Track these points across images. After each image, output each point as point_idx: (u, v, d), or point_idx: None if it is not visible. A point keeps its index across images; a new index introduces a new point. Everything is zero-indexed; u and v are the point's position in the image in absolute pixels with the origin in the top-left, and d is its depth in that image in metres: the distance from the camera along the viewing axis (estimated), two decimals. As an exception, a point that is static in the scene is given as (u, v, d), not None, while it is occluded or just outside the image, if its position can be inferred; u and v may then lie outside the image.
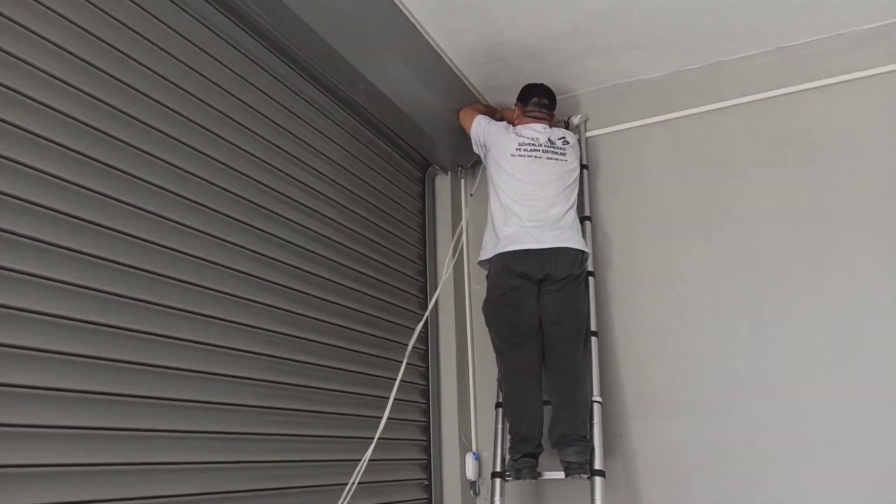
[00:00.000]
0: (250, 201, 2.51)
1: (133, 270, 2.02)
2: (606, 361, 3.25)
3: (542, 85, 3.38)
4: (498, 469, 3.04)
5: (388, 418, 2.86)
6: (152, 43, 2.21)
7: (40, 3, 1.87)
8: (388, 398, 3.00)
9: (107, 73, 2.03)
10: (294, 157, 2.80)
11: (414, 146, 3.63)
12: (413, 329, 3.34)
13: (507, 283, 3.03)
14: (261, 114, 2.65)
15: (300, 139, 2.86)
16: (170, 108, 2.23)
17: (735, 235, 3.22)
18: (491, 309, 3.12)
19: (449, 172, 3.84)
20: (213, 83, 2.45)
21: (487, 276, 3.17)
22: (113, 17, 2.08)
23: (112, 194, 1.98)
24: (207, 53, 2.45)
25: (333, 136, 3.09)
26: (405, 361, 3.07)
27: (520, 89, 3.38)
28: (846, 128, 3.14)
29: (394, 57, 2.99)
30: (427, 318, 3.53)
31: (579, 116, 3.62)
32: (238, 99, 2.55)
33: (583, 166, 3.43)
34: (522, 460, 2.91)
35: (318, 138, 2.98)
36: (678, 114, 3.46)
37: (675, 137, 3.46)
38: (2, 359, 1.65)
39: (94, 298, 1.89)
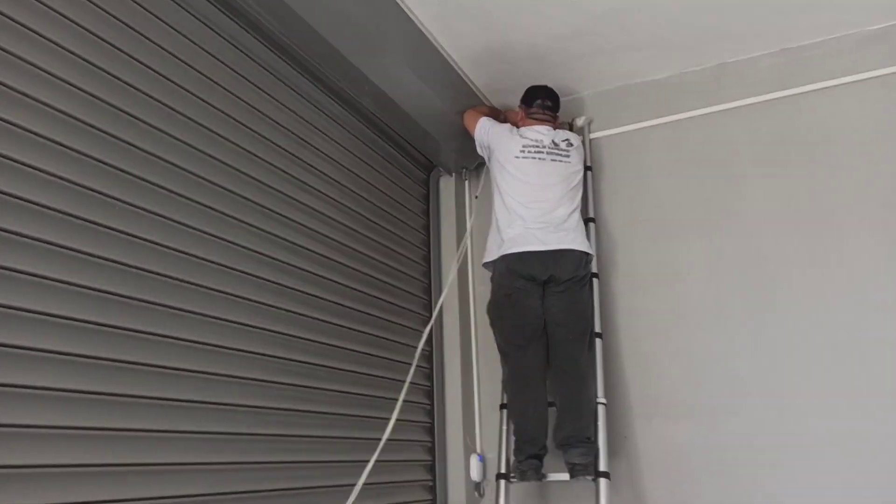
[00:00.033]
0: (253, 202, 2.50)
1: (136, 271, 2.00)
2: (610, 363, 3.23)
3: (545, 87, 3.36)
4: (503, 470, 3.02)
5: (388, 419, 2.85)
6: (154, 43, 2.19)
7: (41, 3, 1.85)
8: (395, 399, 2.95)
9: (109, 74, 2.01)
10: (298, 158, 2.78)
11: (418, 148, 3.62)
12: (417, 330, 3.33)
13: (511, 284, 3.01)
14: (264, 115, 2.63)
15: (304, 140, 2.84)
16: (172, 109, 2.21)
17: (738, 236, 3.19)
18: (495, 310, 3.10)
19: (453, 174, 3.82)
20: (216, 84, 2.43)
21: (492, 278, 3.15)
22: (116, 18, 2.06)
23: (114, 194, 1.96)
24: (211, 54, 2.43)
25: (337, 138, 3.07)
26: (415, 364, 3.05)
27: (523, 91, 3.36)
28: (849, 129, 3.10)
29: (398, 59, 2.98)
30: (432, 321, 3.53)
31: (583, 118, 3.60)
32: (241, 100, 2.53)
33: (587, 168, 3.41)
34: (527, 462, 2.89)
35: (323, 140, 2.97)
36: (682, 115, 3.43)
37: (678, 139, 3.43)
38: (2, 359, 1.63)
39: (96, 298, 1.87)
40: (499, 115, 3.50)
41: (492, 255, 3.11)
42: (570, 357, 2.99)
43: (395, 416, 2.79)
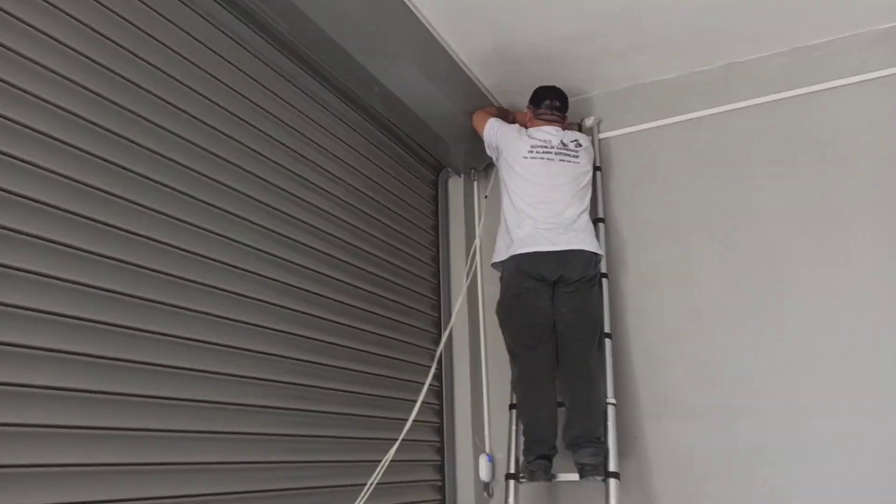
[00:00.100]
0: (260, 201, 2.47)
1: (140, 270, 1.98)
2: (620, 363, 3.20)
3: (554, 87, 3.32)
4: (512, 471, 3.00)
5: (401, 419, 2.83)
6: (162, 43, 2.16)
7: (45, 1, 1.82)
8: (404, 399, 3.01)
9: (115, 73, 1.99)
10: (306, 158, 2.76)
11: (427, 149, 3.59)
12: (426, 331, 3.33)
13: (520, 284, 2.98)
14: (271, 114, 2.61)
15: (312, 141, 2.82)
16: (175, 106, 2.18)
17: (748, 236, 3.15)
18: (504, 311, 3.08)
19: (462, 175, 3.79)
20: (221, 82, 2.40)
21: (501, 278, 3.12)
22: (119, 16, 2.04)
23: (116, 192, 1.93)
24: (216, 53, 2.40)
25: (345, 138, 3.05)
26: (434, 367, 3.04)
27: (532, 92, 3.33)
28: (858, 128, 3.07)
29: (407, 60, 2.95)
30: (441, 322, 3.51)
31: (592, 118, 3.57)
32: (247, 98, 2.50)
33: (596, 168, 3.38)
34: (536, 462, 2.87)
35: (331, 140, 2.94)
36: (691, 115, 3.40)
37: (688, 139, 3.39)
38: (2, 357, 1.60)
39: (99, 297, 1.84)
40: (508, 115, 3.47)
41: (501, 255, 3.08)
42: (579, 357, 2.96)
43: (412, 416, 2.79)
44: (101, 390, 1.82)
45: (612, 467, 2.80)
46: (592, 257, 3.03)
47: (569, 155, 3.14)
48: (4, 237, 1.65)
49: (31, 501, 1.61)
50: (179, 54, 2.23)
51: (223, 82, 2.40)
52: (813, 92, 3.19)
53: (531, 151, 3.11)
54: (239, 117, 2.44)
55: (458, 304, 3.36)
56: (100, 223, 1.88)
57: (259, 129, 2.53)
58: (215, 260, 2.24)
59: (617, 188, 3.49)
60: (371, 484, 2.56)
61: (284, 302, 2.51)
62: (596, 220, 3.28)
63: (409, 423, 2.77)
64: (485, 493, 3.36)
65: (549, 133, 3.18)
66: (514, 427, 3.09)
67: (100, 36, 1.97)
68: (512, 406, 3.13)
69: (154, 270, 2.01)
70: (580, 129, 3.54)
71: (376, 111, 3.18)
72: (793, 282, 3.03)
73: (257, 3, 2.47)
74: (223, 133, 2.36)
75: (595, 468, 2.80)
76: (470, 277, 3.47)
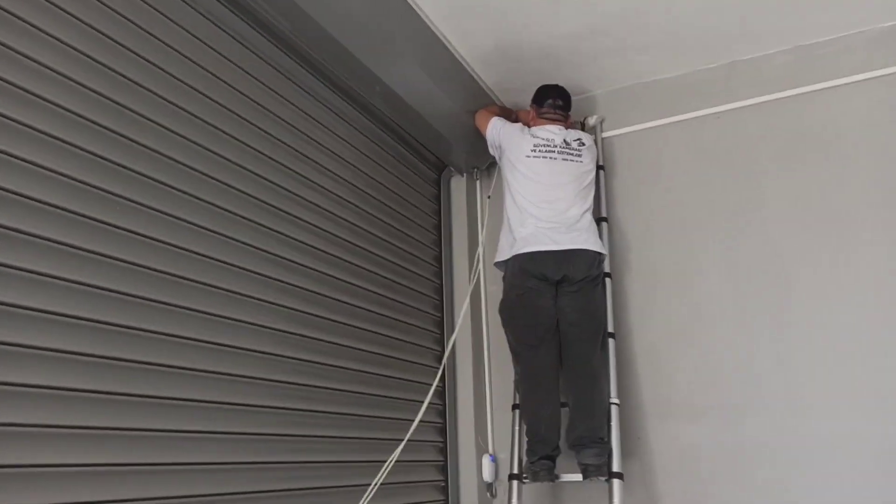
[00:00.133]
0: (261, 200, 2.46)
1: (145, 270, 1.97)
2: (624, 363, 3.18)
3: (557, 86, 3.31)
4: (515, 471, 2.98)
5: (404, 419, 2.82)
6: (162, 41, 2.15)
7: (49, 1, 1.82)
8: (407, 399, 2.99)
9: (116, 72, 1.98)
10: (307, 157, 2.74)
11: (429, 148, 3.58)
12: (428, 331, 3.32)
13: (523, 284, 2.97)
14: (273, 113, 2.60)
15: (315, 140, 2.81)
16: (179, 107, 2.17)
17: (751, 235, 3.14)
18: (507, 310, 3.06)
19: (464, 174, 3.78)
20: (222, 81, 2.39)
21: (504, 278, 3.10)
22: (122, 16, 2.03)
23: (117, 191, 1.92)
24: (221, 54, 2.39)
25: (348, 138, 3.04)
26: (442, 367, 3.02)
27: (535, 90, 3.32)
28: (863, 126, 3.04)
29: (409, 59, 2.94)
30: (444, 322, 3.50)
31: (595, 117, 3.56)
32: (248, 98, 2.49)
33: (599, 167, 3.36)
34: (539, 462, 2.85)
35: (333, 140, 2.93)
36: (695, 114, 3.38)
37: (691, 137, 3.38)
38: (2, 357, 1.59)
39: (101, 297, 1.83)
40: (510, 114, 3.46)
41: (504, 254, 3.07)
42: (582, 357, 2.94)
43: (419, 417, 2.78)
44: (102, 390, 1.80)
45: (615, 468, 2.79)
46: (596, 257, 3.01)
47: (572, 154, 3.13)
48: (3, 236, 1.63)
49: (31, 502, 1.60)
50: (180, 52, 2.22)
51: (224, 81, 2.39)
52: (816, 90, 3.17)
53: (534, 150, 3.10)
54: (240, 116, 2.43)
55: (464, 309, 3.34)
56: (99, 222, 1.86)
57: (260, 128, 2.51)
58: (217, 260, 2.24)
59: (620, 187, 3.47)
60: (375, 484, 2.56)
61: (286, 302, 2.50)
62: (599, 220, 3.26)
63: (415, 424, 2.76)
64: (488, 494, 3.34)
65: (552, 132, 3.16)
66: (517, 427, 3.07)
67: (100, 34, 1.95)
68: (515, 406, 3.12)
69: (155, 270, 2.00)
70: (583, 127, 3.52)
71: (378, 110, 3.17)
72: (796, 281, 3.01)
73: (258, 2, 2.46)
74: (224, 132, 2.35)
75: (598, 468, 2.78)
76: (474, 282, 3.45)
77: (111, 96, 1.96)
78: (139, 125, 2.03)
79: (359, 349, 2.86)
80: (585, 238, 3.00)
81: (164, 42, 2.16)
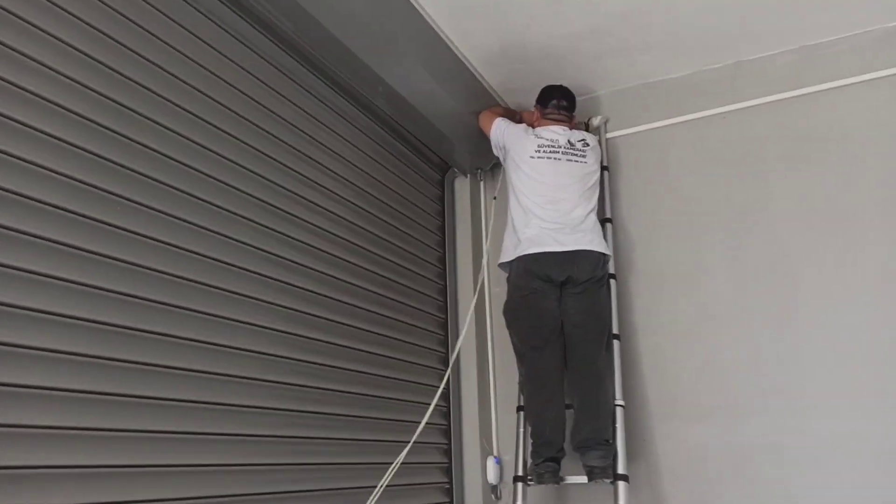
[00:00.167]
0: (263, 201, 2.44)
1: (151, 272, 1.96)
2: (629, 364, 3.17)
3: (561, 86, 3.30)
4: (520, 473, 2.97)
5: (408, 421, 2.81)
6: (163, 41, 2.14)
7: (50, 1, 1.80)
8: (411, 401, 2.98)
9: (118, 73, 1.97)
10: (310, 158, 2.73)
11: (433, 149, 3.56)
12: (432, 332, 3.31)
13: (528, 285, 2.96)
14: (275, 114, 2.58)
15: (317, 141, 2.79)
16: (181, 107, 2.16)
17: (757, 236, 3.12)
18: (512, 312, 3.05)
19: (468, 175, 3.76)
20: (228, 84, 2.38)
21: (508, 279, 3.10)
22: (126, 18, 2.02)
23: (117, 191, 1.90)
24: (224, 56, 2.38)
25: (351, 139, 3.02)
26: (449, 370, 3.01)
27: (539, 91, 3.31)
28: (868, 126, 3.03)
29: (412, 60, 2.93)
30: (448, 324, 3.49)
31: (599, 118, 3.55)
32: (251, 98, 2.47)
33: (603, 168, 3.35)
34: (544, 465, 2.84)
35: (336, 141, 2.91)
36: (699, 114, 3.36)
37: (696, 137, 3.36)
38: (2, 358, 1.57)
39: (101, 297, 1.82)
40: (514, 115, 3.44)
41: (508, 255, 3.06)
42: (587, 359, 2.93)
43: (425, 419, 2.77)
44: (101, 391, 1.79)
45: (620, 469, 2.78)
46: (600, 258, 3.00)
47: (576, 154, 3.12)
48: (3, 236, 1.62)
49: (32, 502, 1.59)
50: (181, 52, 2.20)
51: (225, 80, 2.37)
52: (822, 90, 3.16)
53: (538, 151, 3.09)
54: (241, 116, 2.41)
55: (470, 311, 3.33)
56: (100, 222, 1.85)
57: (262, 129, 2.50)
58: (220, 261, 2.22)
59: (625, 188, 3.46)
60: (381, 486, 2.55)
61: (290, 303, 2.48)
62: (603, 221, 3.25)
63: (421, 425, 2.75)
64: (493, 496, 3.33)
65: (557, 132, 3.15)
66: (521, 429, 3.06)
67: (100, 34, 1.94)
68: (520, 408, 3.11)
69: (157, 270, 1.99)
70: (587, 128, 3.51)
71: (381, 110, 3.15)
72: (802, 281, 3.00)
73: (260, 1, 2.44)
74: (225, 132, 2.33)
75: (604, 470, 2.77)
76: (478, 289, 3.44)
77: (112, 96, 1.94)
78: (140, 125, 2.01)
79: (363, 351, 2.84)
80: (590, 239, 2.99)
81: (164, 41, 2.14)
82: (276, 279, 2.43)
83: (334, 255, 2.77)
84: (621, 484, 2.74)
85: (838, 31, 3.14)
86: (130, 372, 1.87)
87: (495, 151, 3.28)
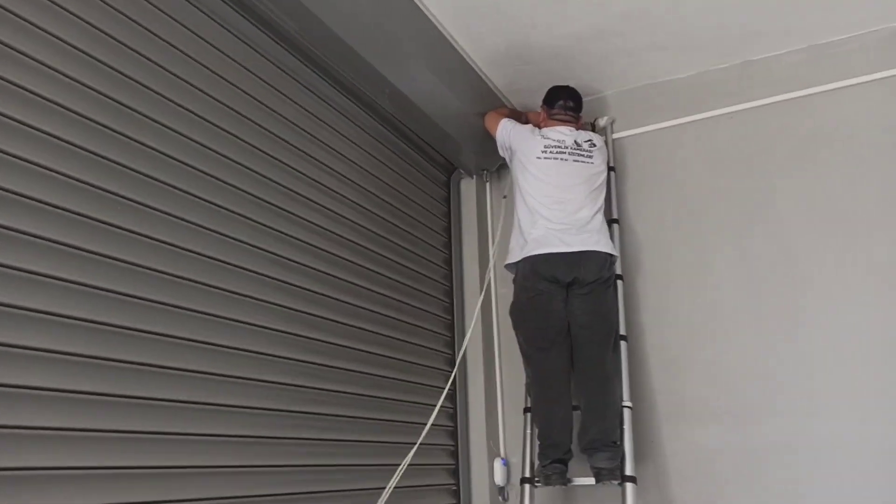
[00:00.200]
0: (268, 202, 2.44)
1: (157, 273, 1.97)
2: (636, 366, 3.15)
3: (568, 87, 3.28)
4: (527, 475, 2.95)
5: (415, 423, 2.81)
6: (166, 41, 2.13)
7: (52, 1, 1.80)
8: (418, 403, 2.97)
9: (119, 72, 1.96)
10: (315, 159, 2.72)
11: (438, 150, 3.55)
12: (438, 333, 3.30)
13: (534, 286, 2.94)
14: (279, 114, 2.57)
15: (321, 141, 2.78)
16: (183, 107, 2.16)
17: (765, 236, 3.10)
18: (518, 313, 3.03)
19: (474, 176, 3.75)
20: (234, 85, 2.37)
21: (514, 280, 3.07)
22: (126, 17, 2.01)
23: (119, 191, 1.90)
24: (226, 55, 2.37)
25: (357, 140, 3.01)
26: (455, 371, 3.00)
27: (545, 92, 3.29)
28: (877, 126, 3.00)
29: (418, 61, 2.92)
30: (454, 325, 3.49)
31: (605, 118, 3.53)
32: (255, 98, 2.46)
33: (610, 168, 3.33)
34: (552, 466, 2.83)
35: (340, 141, 2.90)
36: (707, 114, 3.34)
37: (704, 138, 3.34)
38: (3, 358, 1.57)
39: (102, 297, 1.81)
40: (520, 116, 3.43)
41: (514, 256, 3.04)
42: (594, 360, 2.91)
43: (431, 420, 2.77)
44: (101, 392, 1.78)
45: (628, 471, 2.76)
46: (607, 258, 2.99)
47: (583, 155, 3.11)
48: (3, 236, 1.61)
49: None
50: (183, 52, 2.20)
51: (229, 81, 2.37)
52: (829, 90, 3.13)
53: (545, 151, 3.08)
54: (244, 115, 2.40)
55: (476, 313, 3.32)
56: (102, 223, 1.84)
57: (264, 128, 2.49)
58: (223, 262, 2.21)
59: (632, 188, 3.44)
60: (389, 488, 2.55)
61: (293, 304, 2.47)
62: (610, 221, 3.22)
63: (427, 427, 2.75)
64: (500, 498, 3.32)
65: (563, 133, 3.14)
66: (528, 431, 3.04)
67: (100, 33, 1.93)
68: (526, 409, 3.09)
69: (158, 271, 1.98)
70: (593, 128, 3.49)
71: (386, 111, 3.14)
72: (810, 282, 2.97)
73: (264, 2, 2.43)
74: (228, 132, 2.32)
75: (611, 472, 2.75)
76: (484, 290, 3.43)
77: (112, 95, 1.93)
78: (140, 124, 2.00)
79: (368, 352, 2.83)
80: (597, 240, 2.98)
81: (166, 41, 2.14)
82: (280, 280, 2.42)
83: (339, 257, 2.76)
84: (629, 485, 2.72)
85: (846, 30, 3.11)
86: (130, 372, 1.85)
87: (501, 152, 3.27)
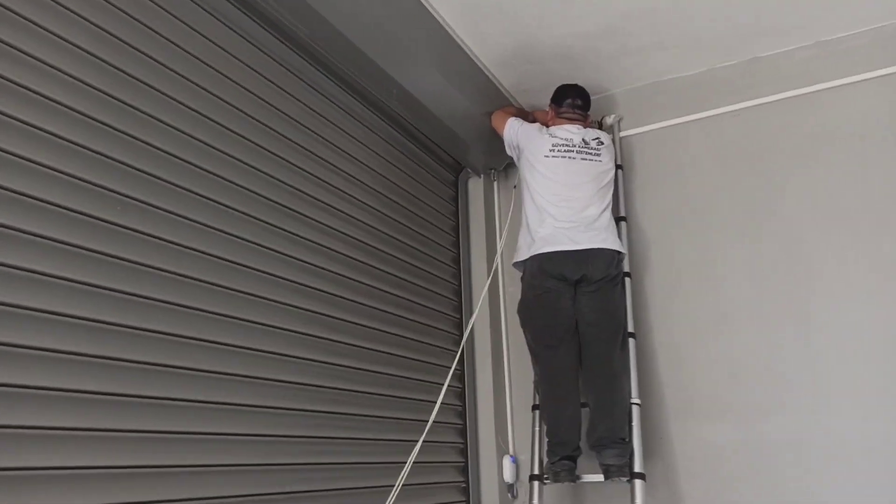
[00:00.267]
0: (277, 203, 2.44)
1: (162, 273, 1.97)
2: (645, 363, 3.14)
3: (575, 86, 3.27)
4: (536, 472, 2.95)
5: (424, 421, 2.82)
6: (171, 41, 2.13)
7: (55, 1, 1.79)
8: (427, 400, 2.96)
9: (123, 71, 1.96)
10: (323, 160, 2.71)
11: (446, 149, 3.54)
12: (447, 332, 3.31)
13: (542, 284, 2.94)
14: (287, 115, 2.57)
15: (332, 143, 2.78)
16: (191, 108, 2.16)
17: (773, 233, 3.08)
18: (526, 311, 3.03)
19: (482, 175, 3.74)
20: (242, 87, 2.37)
21: (522, 278, 3.08)
22: (131, 16, 2.01)
23: (124, 191, 1.89)
24: (232, 55, 2.37)
25: (365, 141, 3.00)
26: (454, 367, 3.01)
27: (552, 90, 3.28)
28: (886, 122, 2.98)
29: (426, 61, 2.92)
30: (463, 324, 3.49)
31: (613, 116, 3.52)
32: (262, 99, 2.46)
33: (617, 166, 3.33)
34: (560, 463, 2.83)
35: (350, 142, 2.90)
36: (714, 111, 3.32)
37: (711, 135, 3.32)
38: (3, 358, 1.56)
39: (109, 298, 1.81)
40: (527, 115, 3.42)
41: (522, 254, 3.04)
42: (602, 357, 2.91)
43: (432, 418, 2.76)
44: (103, 391, 1.77)
45: (637, 468, 2.75)
46: (615, 256, 2.98)
47: (591, 153, 3.11)
48: (3, 236, 1.60)
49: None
50: (190, 53, 2.20)
51: (236, 82, 2.36)
52: (837, 86, 3.11)
53: (553, 150, 3.07)
54: (251, 116, 2.40)
55: (480, 301, 3.34)
56: (106, 223, 1.84)
57: (271, 128, 2.48)
58: (231, 261, 2.22)
59: (639, 186, 3.43)
60: (398, 485, 2.56)
61: (302, 303, 2.47)
62: (618, 219, 3.21)
63: (428, 424, 2.74)
64: (509, 495, 3.32)
65: (571, 131, 3.14)
66: (537, 428, 3.04)
67: (104, 32, 1.93)
68: (535, 407, 3.09)
69: (161, 270, 1.98)
70: (601, 126, 3.47)
71: (394, 112, 3.13)
72: (819, 278, 2.95)
73: (271, 4, 2.43)
74: (237, 133, 2.32)
75: (620, 469, 2.75)
76: (491, 276, 3.45)
77: (116, 94, 1.93)
78: (146, 124, 2.01)
79: (377, 351, 2.83)
80: (604, 237, 2.98)
81: (172, 42, 2.13)
82: (288, 279, 2.42)
83: (347, 256, 2.75)
84: (638, 482, 2.72)
85: (854, 26, 3.09)
86: (134, 372, 1.85)
87: (508, 151, 3.27)
